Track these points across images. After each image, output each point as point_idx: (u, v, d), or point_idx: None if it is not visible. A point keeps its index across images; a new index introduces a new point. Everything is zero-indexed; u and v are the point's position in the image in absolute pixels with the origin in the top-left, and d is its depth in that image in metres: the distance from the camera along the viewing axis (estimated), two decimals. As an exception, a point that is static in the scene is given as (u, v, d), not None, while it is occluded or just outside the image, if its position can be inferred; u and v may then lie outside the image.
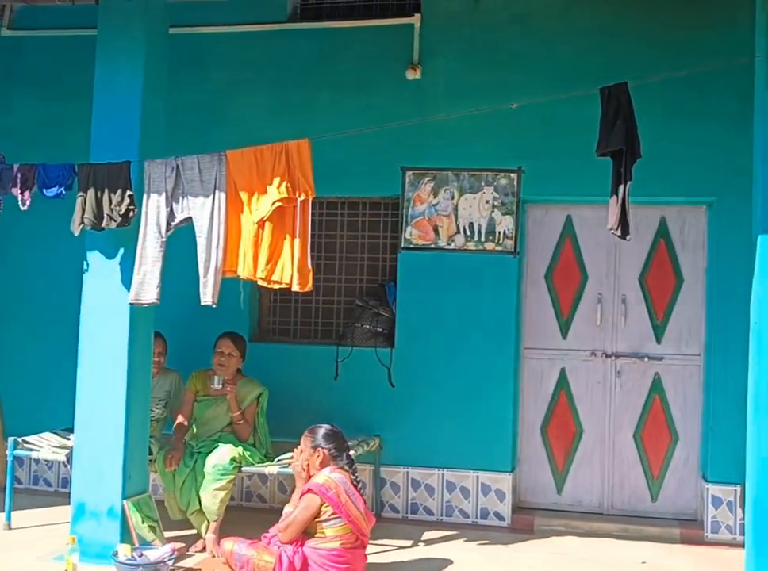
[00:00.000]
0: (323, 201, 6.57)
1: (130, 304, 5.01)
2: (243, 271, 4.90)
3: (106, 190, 5.02)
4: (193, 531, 5.66)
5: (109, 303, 5.19)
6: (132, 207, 4.99)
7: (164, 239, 4.98)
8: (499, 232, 6.36)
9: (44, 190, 5.14)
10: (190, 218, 4.97)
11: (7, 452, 5.93)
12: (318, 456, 4.80)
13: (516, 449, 6.47)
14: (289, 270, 4.86)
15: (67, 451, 5.81)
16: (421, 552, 5.65)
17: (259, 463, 5.70)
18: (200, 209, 4.94)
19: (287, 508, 4.79)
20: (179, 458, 5.55)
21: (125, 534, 5.15)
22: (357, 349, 6.53)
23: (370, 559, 5.04)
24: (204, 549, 5.47)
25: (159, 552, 4.93)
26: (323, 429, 4.89)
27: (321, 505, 4.63)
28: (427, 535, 5.99)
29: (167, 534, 5.41)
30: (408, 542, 5.80)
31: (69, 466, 5.76)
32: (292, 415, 6.24)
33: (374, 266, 6.82)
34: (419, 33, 6.51)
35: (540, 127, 6.33)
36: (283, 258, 4.86)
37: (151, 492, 5.57)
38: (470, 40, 6.48)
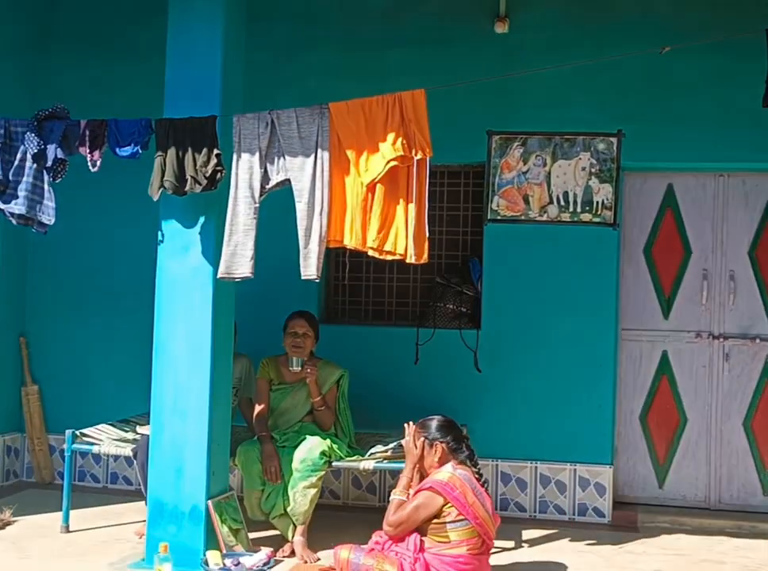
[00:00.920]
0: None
1: (220, 278, 4.40)
2: (351, 241, 4.31)
3: (189, 149, 4.41)
4: (275, 532, 5.10)
5: (191, 279, 4.60)
6: (219, 168, 4.38)
7: (257, 205, 4.38)
8: (597, 202, 5.80)
9: (117, 149, 4.50)
10: (288, 180, 4.36)
11: (64, 447, 5.31)
12: (436, 452, 4.23)
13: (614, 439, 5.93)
14: (403, 238, 4.27)
15: (133, 445, 5.22)
16: (530, 554, 5.11)
17: (347, 457, 5.13)
18: (299, 170, 4.34)
19: (395, 496, 4.20)
20: (279, 466, 4.94)
21: (210, 539, 4.57)
22: (439, 331, 5.97)
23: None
24: (292, 553, 4.90)
25: (254, 558, 4.37)
26: (434, 421, 4.31)
27: (444, 506, 4.07)
28: (527, 535, 5.44)
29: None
30: (510, 543, 5.24)
31: (135, 461, 5.18)
32: (367, 405, 5.73)
33: (454, 240, 6.25)
34: (506, -18, 5.91)
35: (641, 85, 5.79)
36: (396, 225, 4.27)
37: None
38: (562, -11, 5.90)
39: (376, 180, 4.24)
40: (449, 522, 4.08)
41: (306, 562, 4.78)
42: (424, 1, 6.10)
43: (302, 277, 4.35)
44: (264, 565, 4.35)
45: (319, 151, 4.31)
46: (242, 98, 4.81)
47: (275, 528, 5.08)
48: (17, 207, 4.53)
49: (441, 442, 4.24)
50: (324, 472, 4.97)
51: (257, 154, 4.36)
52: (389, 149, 4.21)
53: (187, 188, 4.41)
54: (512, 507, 5.85)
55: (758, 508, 5.80)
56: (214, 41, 4.62)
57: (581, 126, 5.82)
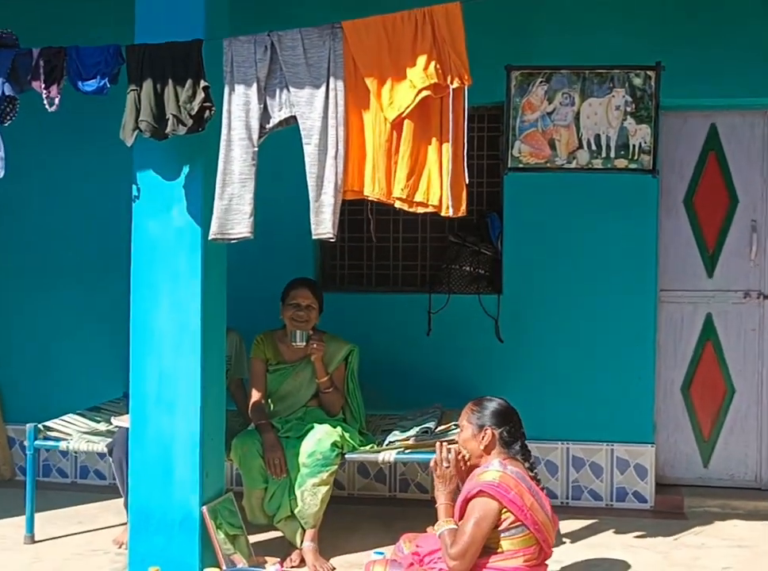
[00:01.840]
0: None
1: (212, 240, 3.61)
2: (374, 190, 3.54)
3: (170, 82, 3.60)
4: (276, 534, 4.38)
5: (174, 242, 3.82)
6: (207, 104, 3.57)
7: (256, 149, 3.59)
8: (633, 146, 5.08)
9: (79, 84, 3.68)
10: (294, 118, 3.57)
11: (25, 441, 4.51)
12: (484, 437, 3.51)
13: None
14: (437, 187, 3.51)
15: (107, 439, 4.44)
16: (574, 552, 4.44)
17: (360, 446, 4.40)
18: (307, 105, 3.54)
19: (442, 528, 3.43)
20: (284, 457, 4.20)
21: (207, 551, 3.83)
22: (454, 297, 5.25)
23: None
24: (302, 562, 4.17)
25: (261, 575, 3.63)
26: (494, 403, 3.60)
27: (500, 511, 3.36)
28: (564, 526, 4.75)
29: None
30: (549, 538, 4.56)
31: (111, 458, 4.40)
32: (374, 382, 5.01)
33: (469, 192, 5.48)
34: None
35: (682, 9, 5.08)
36: (429, 170, 3.51)
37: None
38: None
39: (403, 115, 3.47)
40: (503, 529, 3.38)
41: (319, 572, 4.06)
42: None
43: (314, 236, 3.58)
44: (276, 581, 3.63)
45: (331, 80, 3.53)
46: (229, 17, 3.98)
47: (278, 531, 4.35)
48: (-45, 157, 3.72)
49: (493, 429, 3.52)
50: (336, 466, 4.24)
51: (254, 86, 3.56)
52: (419, 76, 3.43)
53: (168, 129, 3.61)
54: (541, 493, 5.18)
55: (816, 488, 5.21)
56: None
57: (614, 59, 5.07)
